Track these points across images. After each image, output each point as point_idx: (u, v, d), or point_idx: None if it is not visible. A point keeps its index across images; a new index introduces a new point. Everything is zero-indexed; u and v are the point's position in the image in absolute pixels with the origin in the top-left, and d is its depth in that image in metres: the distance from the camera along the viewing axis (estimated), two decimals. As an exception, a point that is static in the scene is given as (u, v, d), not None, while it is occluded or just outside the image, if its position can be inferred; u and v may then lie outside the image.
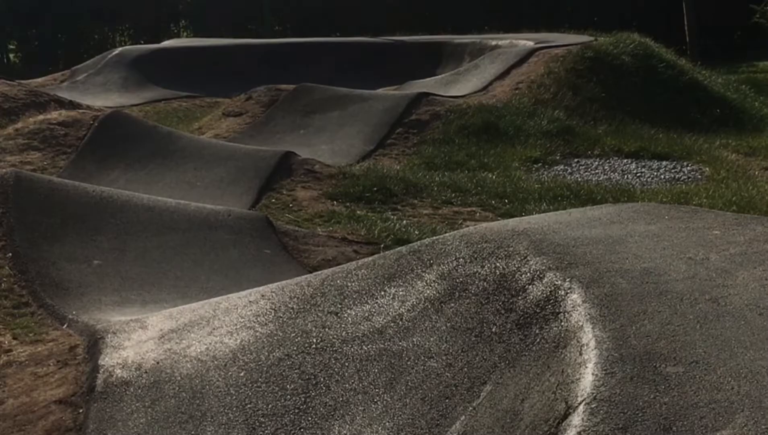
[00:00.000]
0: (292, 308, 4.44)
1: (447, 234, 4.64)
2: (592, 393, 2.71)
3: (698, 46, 23.56)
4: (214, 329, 4.60)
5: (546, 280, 3.55)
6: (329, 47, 19.07)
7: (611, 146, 12.07)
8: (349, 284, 4.36)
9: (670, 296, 3.26)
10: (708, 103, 14.70)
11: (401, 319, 3.91)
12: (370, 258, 4.79)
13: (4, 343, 5.37)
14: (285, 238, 7.51)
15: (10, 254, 6.40)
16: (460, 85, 15.03)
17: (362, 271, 4.43)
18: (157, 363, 4.52)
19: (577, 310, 3.24)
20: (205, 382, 4.21)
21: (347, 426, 3.56)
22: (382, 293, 4.15)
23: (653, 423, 2.56)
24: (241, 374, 4.13)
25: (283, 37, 24.61)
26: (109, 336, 5.00)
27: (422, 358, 3.63)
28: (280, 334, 4.27)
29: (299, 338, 4.16)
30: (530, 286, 3.58)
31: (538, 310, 3.43)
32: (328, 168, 9.99)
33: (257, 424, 3.82)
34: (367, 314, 4.07)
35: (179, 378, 4.33)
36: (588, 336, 3.04)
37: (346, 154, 11.71)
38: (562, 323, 3.25)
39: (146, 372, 4.49)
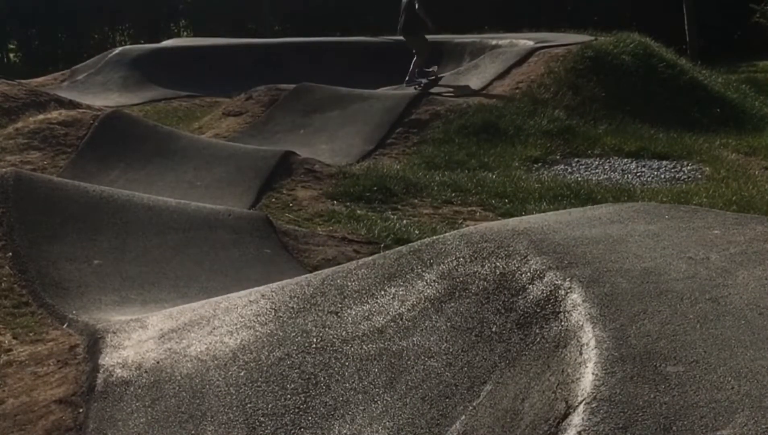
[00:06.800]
0: (293, 308, 4.43)
1: (447, 233, 4.64)
2: (592, 392, 2.71)
3: (698, 46, 23.55)
4: (214, 329, 4.60)
5: (546, 279, 3.55)
6: (329, 47, 19.06)
7: (611, 146, 12.06)
8: (349, 284, 4.36)
9: (670, 296, 3.26)
10: (708, 103, 14.69)
11: (401, 319, 3.91)
12: (370, 258, 4.78)
13: (4, 343, 5.37)
14: (285, 238, 7.51)
15: (10, 254, 6.40)
16: (460, 84, 15.02)
17: (362, 270, 4.43)
18: (157, 362, 4.52)
19: (577, 310, 3.24)
20: (205, 382, 4.21)
21: (347, 425, 3.56)
22: (382, 293, 4.15)
23: (653, 422, 2.56)
24: (241, 374, 4.13)
25: (283, 37, 24.58)
26: (109, 335, 5.00)
27: (422, 357, 3.63)
28: (281, 334, 4.27)
29: (299, 338, 4.16)
30: (530, 286, 3.58)
31: (538, 310, 3.43)
32: (328, 167, 9.99)
33: (257, 423, 3.82)
34: (367, 314, 4.07)
35: (179, 377, 4.33)
36: (588, 335, 3.04)
37: (346, 153, 11.71)
38: (563, 323, 3.25)
39: (146, 371, 4.48)
